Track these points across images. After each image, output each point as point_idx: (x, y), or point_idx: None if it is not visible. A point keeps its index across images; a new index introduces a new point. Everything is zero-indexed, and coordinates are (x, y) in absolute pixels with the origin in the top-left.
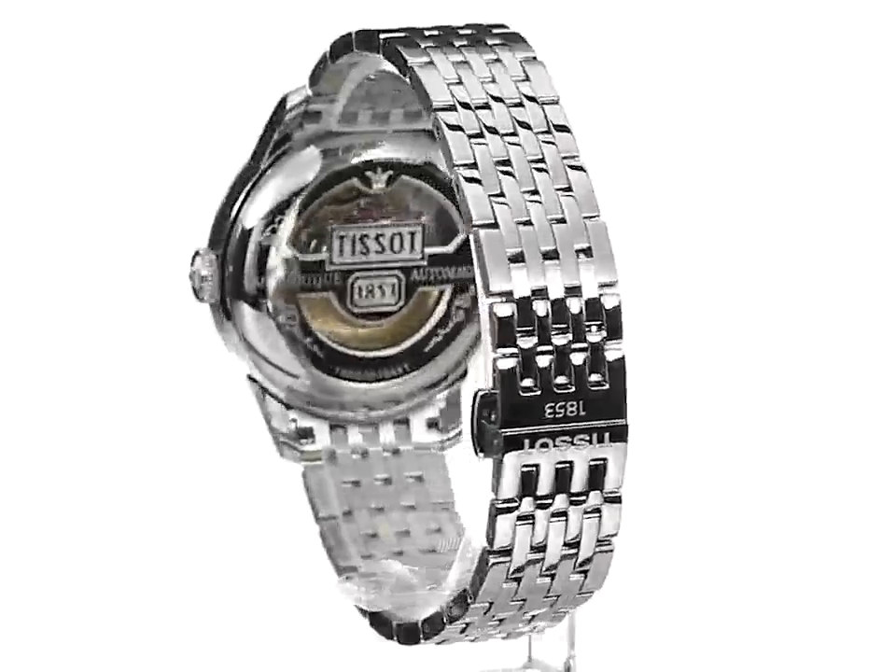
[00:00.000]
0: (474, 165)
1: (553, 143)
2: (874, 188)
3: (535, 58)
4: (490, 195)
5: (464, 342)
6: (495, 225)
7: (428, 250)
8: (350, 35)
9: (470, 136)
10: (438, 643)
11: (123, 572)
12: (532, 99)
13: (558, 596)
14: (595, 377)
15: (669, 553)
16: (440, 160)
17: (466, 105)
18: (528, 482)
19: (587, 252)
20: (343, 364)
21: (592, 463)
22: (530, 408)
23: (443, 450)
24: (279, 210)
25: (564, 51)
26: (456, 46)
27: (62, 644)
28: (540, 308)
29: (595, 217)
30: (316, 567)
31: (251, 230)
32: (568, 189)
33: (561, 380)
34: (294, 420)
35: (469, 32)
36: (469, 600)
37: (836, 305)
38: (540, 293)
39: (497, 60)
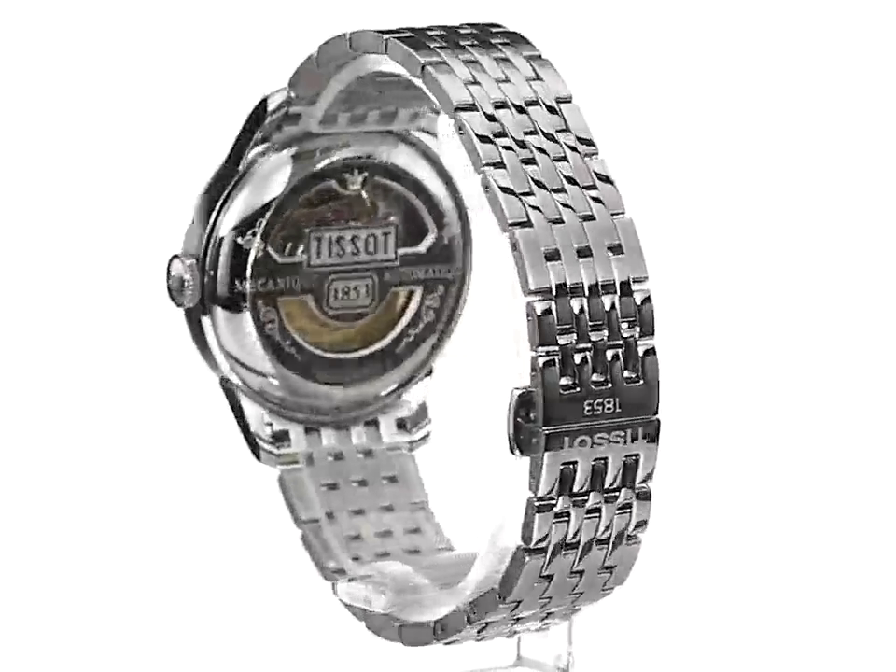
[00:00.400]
0: (502, 164)
1: (572, 140)
2: (881, 182)
3: (540, 56)
4: (520, 194)
5: (431, 341)
6: (528, 224)
7: (400, 251)
8: (345, 35)
9: (495, 135)
10: (447, 643)
11: (102, 576)
12: (547, 97)
13: (581, 594)
14: (628, 373)
15: (667, 553)
16: (412, 161)
17: (486, 105)
18: (566, 479)
19: (617, 249)
20: (319, 367)
21: (625, 459)
22: (570, 406)
23: (412, 450)
24: (259, 213)
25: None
26: (464, 46)
27: (46, 650)
28: (577, 305)
29: (621, 213)
30: (297, 569)
31: (232, 233)
32: (593, 186)
33: (597, 377)
34: (270, 424)
35: (471, 31)
36: (498, 600)
37: (840, 302)
38: (577, 290)
39: (506, 59)
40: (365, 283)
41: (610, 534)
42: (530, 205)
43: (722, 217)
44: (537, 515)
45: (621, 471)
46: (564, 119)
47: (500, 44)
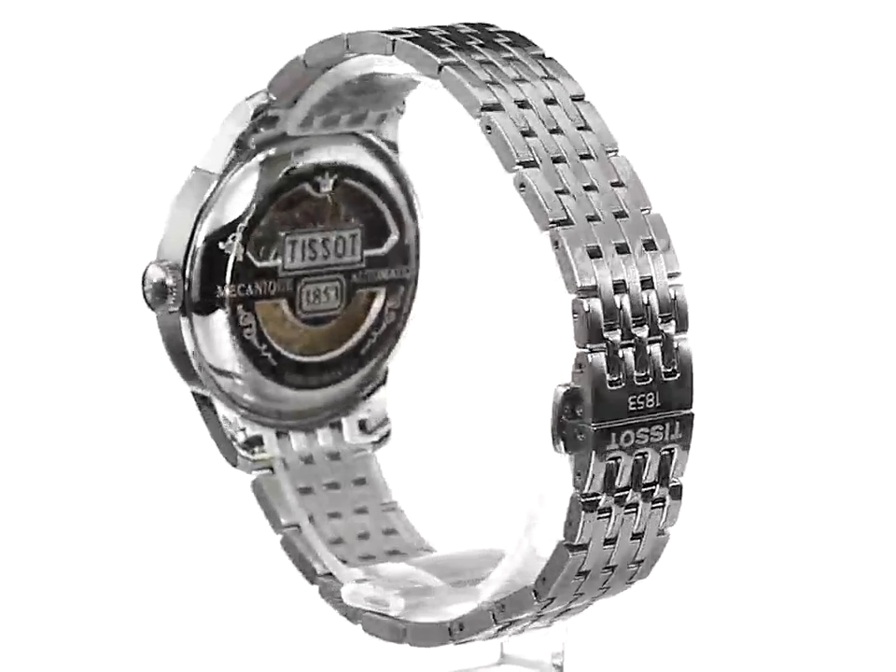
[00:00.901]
0: (534, 163)
1: (592, 137)
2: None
3: (544, 55)
4: (556, 192)
5: (391, 342)
6: (569, 221)
7: (366, 252)
8: (342, 36)
9: (523, 134)
10: (460, 643)
11: (82, 578)
12: (563, 95)
13: (608, 588)
14: (666, 368)
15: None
16: (374, 163)
17: (509, 104)
18: (609, 476)
19: (651, 245)
20: (290, 371)
21: (662, 454)
22: (617, 402)
23: (374, 451)
24: (240, 217)
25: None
26: (472, 46)
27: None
28: (621, 302)
29: (648, 209)
30: (275, 573)
31: (212, 237)
32: (619, 183)
33: (640, 372)
34: (243, 429)
35: (471, 31)
36: (533, 597)
37: (850, 297)
38: (620, 287)
39: (515, 59)
40: (334, 285)
41: (644, 528)
42: (567, 201)
43: (721, 215)
44: (583, 513)
45: (657, 466)
46: (582, 116)
47: (505, 44)
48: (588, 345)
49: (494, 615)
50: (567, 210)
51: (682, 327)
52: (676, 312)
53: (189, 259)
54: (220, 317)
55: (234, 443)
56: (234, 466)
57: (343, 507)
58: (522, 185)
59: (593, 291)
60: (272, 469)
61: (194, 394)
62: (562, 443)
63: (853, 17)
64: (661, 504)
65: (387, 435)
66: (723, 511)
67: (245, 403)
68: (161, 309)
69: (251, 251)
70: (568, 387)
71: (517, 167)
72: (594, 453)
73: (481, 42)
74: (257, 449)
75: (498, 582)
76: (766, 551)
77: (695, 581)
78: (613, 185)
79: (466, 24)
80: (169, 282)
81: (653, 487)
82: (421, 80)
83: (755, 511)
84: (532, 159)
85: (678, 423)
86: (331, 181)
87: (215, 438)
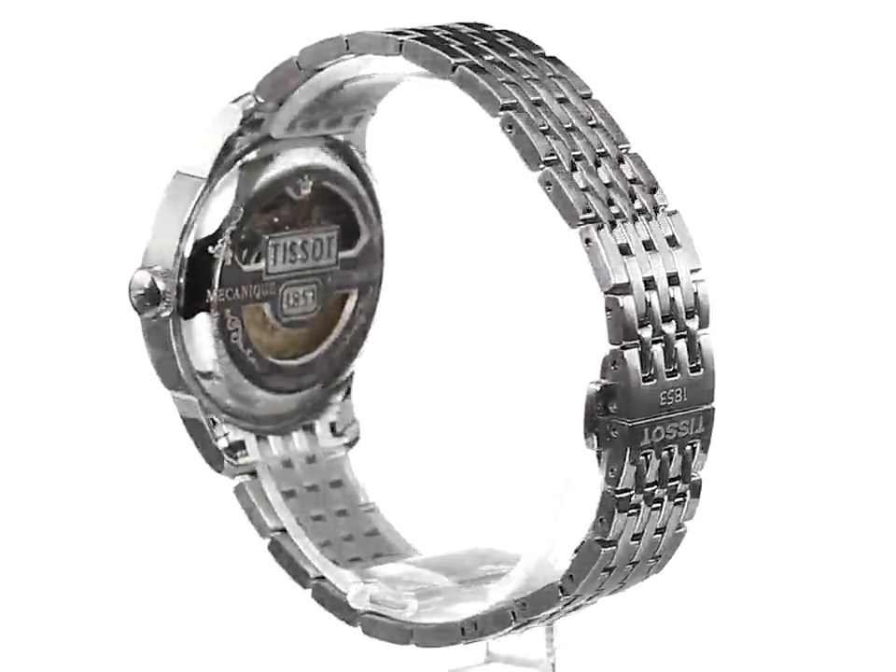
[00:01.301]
0: (558, 161)
1: (605, 134)
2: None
3: (544, 54)
4: (580, 189)
5: (360, 343)
6: (598, 219)
7: (340, 254)
8: (341, 37)
9: (544, 133)
10: (471, 642)
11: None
12: (572, 94)
13: (625, 583)
14: (692, 363)
15: None
16: (344, 164)
17: (526, 103)
18: (640, 471)
19: (673, 241)
20: (270, 374)
21: (686, 449)
22: (650, 398)
23: (347, 453)
24: (227, 221)
25: None
26: (479, 46)
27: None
28: (652, 298)
29: (665, 205)
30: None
31: (203, 242)
32: (636, 179)
33: (669, 368)
34: (226, 434)
35: (472, 31)
36: (560, 594)
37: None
38: (650, 283)
39: (522, 58)
40: (311, 288)
41: (666, 524)
42: (594, 199)
43: (721, 213)
44: (617, 509)
45: (681, 462)
46: (593, 115)
47: (508, 43)
48: (623, 342)
49: (513, 613)
50: (595, 207)
51: (704, 323)
52: (698, 308)
53: (180, 264)
54: (207, 322)
55: (219, 449)
56: (219, 472)
57: (324, 509)
58: (548, 183)
59: (625, 288)
60: (254, 473)
61: (178, 396)
62: (595, 440)
63: (855, 15)
64: (682, 499)
65: (358, 437)
66: (723, 509)
67: (227, 408)
68: (152, 314)
69: (238, 255)
70: (602, 384)
71: (542, 166)
72: (628, 449)
73: (485, 42)
74: (239, 454)
75: (519, 580)
76: (764, 549)
77: (684, 579)
78: (631, 181)
79: (462, 24)
80: (162, 287)
81: (677, 483)
82: (417, 81)
83: (752, 508)
84: (555, 157)
85: (701, 418)
86: (310, 183)
87: (199, 444)
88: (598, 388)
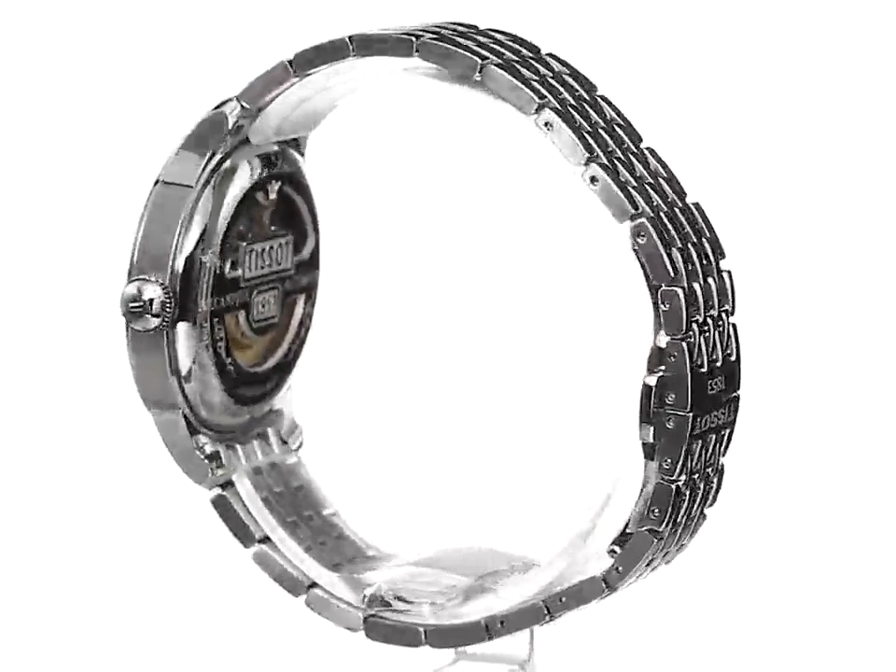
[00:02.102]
0: (599, 157)
1: (624, 130)
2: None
3: (540, 50)
4: (622, 183)
5: (303, 348)
6: (644, 213)
7: (294, 258)
8: (343, 39)
9: (580, 129)
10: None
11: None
12: (588, 91)
13: (653, 570)
14: (727, 350)
15: None
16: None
17: (556, 101)
18: (689, 460)
19: (702, 231)
20: (241, 382)
21: (720, 436)
22: (703, 387)
23: (300, 459)
24: (216, 229)
25: None
26: (490, 45)
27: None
28: (697, 289)
29: (686, 196)
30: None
31: (195, 251)
32: (659, 173)
33: (713, 356)
34: (204, 445)
35: (473, 32)
36: (604, 587)
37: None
38: (694, 274)
39: (533, 57)
40: (274, 294)
41: (698, 511)
42: (636, 193)
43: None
44: (672, 499)
45: (713, 448)
46: (608, 110)
47: (510, 41)
48: (679, 333)
49: (548, 608)
50: (639, 201)
51: (733, 310)
52: (730, 296)
53: (175, 273)
54: (198, 331)
55: (202, 460)
56: (201, 483)
57: (296, 516)
58: (594, 178)
59: (679, 280)
60: (231, 482)
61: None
62: (651, 431)
63: (856, 13)
64: (711, 485)
65: (302, 443)
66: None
67: (204, 418)
68: (150, 325)
69: (223, 262)
70: (660, 376)
71: (589, 162)
72: (686, 439)
73: (490, 41)
74: (215, 464)
75: (552, 575)
76: (764, 549)
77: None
78: (656, 174)
79: (458, 24)
80: (162, 298)
81: (709, 469)
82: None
83: (751, 508)
84: (596, 153)
85: (732, 404)
86: (276, 188)
87: (182, 457)
88: (656, 380)
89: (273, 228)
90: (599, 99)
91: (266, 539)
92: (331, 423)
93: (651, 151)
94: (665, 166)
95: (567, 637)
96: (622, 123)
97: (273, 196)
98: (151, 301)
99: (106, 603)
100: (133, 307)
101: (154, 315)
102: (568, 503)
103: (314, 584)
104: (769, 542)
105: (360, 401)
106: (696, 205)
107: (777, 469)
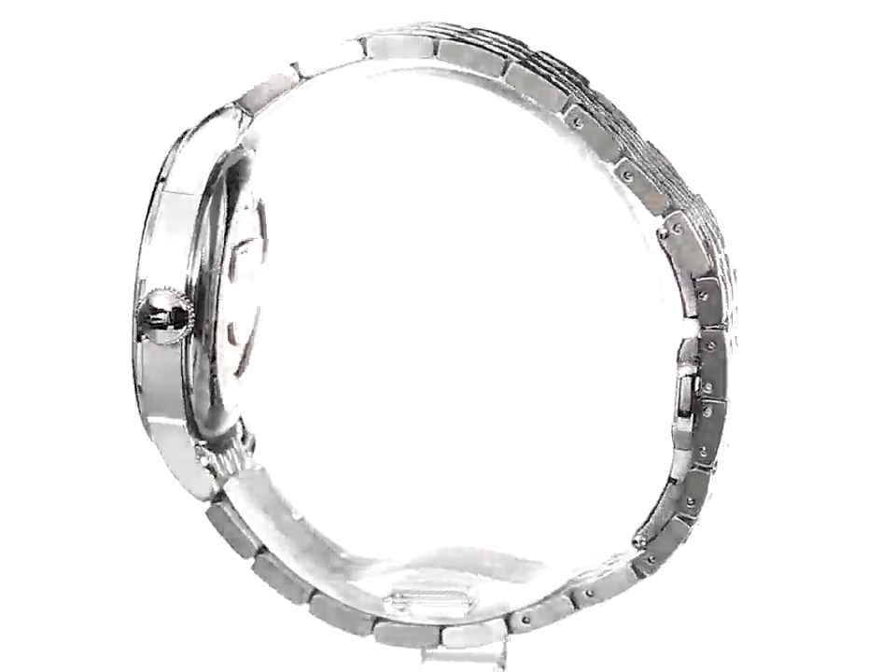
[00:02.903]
0: (627, 152)
1: (626, 123)
2: None
3: (546, 52)
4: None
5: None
6: (677, 206)
7: (260, 266)
8: (353, 40)
9: (606, 126)
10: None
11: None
12: (589, 86)
13: None
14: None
15: None
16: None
17: (577, 98)
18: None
19: (715, 224)
20: (224, 392)
21: None
22: (735, 376)
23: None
24: (221, 238)
25: None
26: (495, 45)
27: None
28: (726, 280)
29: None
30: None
31: (207, 261)
32: (668, 166)
33: (735, 342)
34: (201, 457)
35: (471, 31)
36: (636, 577)
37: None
38: (723, 265)
39: (538, 55)
40: (247, 301)
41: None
42: (668, 189)
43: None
44: (708, 487)
45: None
46: (616, 108)
47: (508, 40)
48: (719, 323)
49: (574, 601)
50: (674, 194)
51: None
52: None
53: (191, 285)
54: (205, 342)
55: (207, 472)
56: (203, 497)
57: (276, 522)
58: (627, 173)
59: (714, 271)
60: (223, 493)
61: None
62: (691, 419)
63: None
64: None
65: (254, 445)
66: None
67: (199, 430)
68: (172, 337)
69: (224, 274)
70: (700, 366)
71: (622, 156)
72: (722, 426)
73: (497, 43)
74: (213, 476)
75: (578, 570)
76: (764, 549)
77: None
78: (665, 166)
79: (452, 24)
80: (185, 308)
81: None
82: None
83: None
84: (624, 147)
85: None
86: (258, 198)
87: (185, 471)
88: (696, 370)
89: (251, 234)
90: (595, 92)
91: (263, 548)
92: (331, 423)
93: (653, 146)
94: (666, 159)
95: (539, 634)
96: (620, 115)
97: (255, 203)
98: (176, 311)
99: (111, 604)
100: (155, 318)
101: (178, 326)
102: (584, 499)
103: (315, 591)
104: (769, 542)
105: (360, 401)
106: (698, 195)
107: (776, 468)
